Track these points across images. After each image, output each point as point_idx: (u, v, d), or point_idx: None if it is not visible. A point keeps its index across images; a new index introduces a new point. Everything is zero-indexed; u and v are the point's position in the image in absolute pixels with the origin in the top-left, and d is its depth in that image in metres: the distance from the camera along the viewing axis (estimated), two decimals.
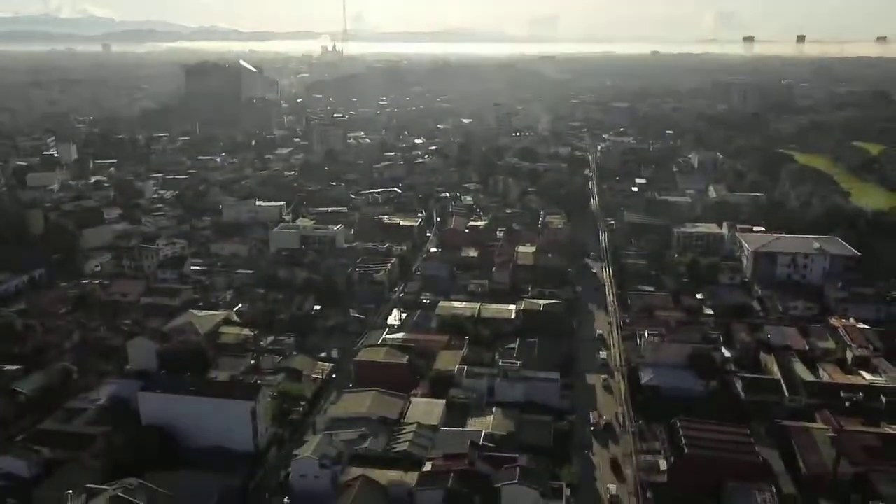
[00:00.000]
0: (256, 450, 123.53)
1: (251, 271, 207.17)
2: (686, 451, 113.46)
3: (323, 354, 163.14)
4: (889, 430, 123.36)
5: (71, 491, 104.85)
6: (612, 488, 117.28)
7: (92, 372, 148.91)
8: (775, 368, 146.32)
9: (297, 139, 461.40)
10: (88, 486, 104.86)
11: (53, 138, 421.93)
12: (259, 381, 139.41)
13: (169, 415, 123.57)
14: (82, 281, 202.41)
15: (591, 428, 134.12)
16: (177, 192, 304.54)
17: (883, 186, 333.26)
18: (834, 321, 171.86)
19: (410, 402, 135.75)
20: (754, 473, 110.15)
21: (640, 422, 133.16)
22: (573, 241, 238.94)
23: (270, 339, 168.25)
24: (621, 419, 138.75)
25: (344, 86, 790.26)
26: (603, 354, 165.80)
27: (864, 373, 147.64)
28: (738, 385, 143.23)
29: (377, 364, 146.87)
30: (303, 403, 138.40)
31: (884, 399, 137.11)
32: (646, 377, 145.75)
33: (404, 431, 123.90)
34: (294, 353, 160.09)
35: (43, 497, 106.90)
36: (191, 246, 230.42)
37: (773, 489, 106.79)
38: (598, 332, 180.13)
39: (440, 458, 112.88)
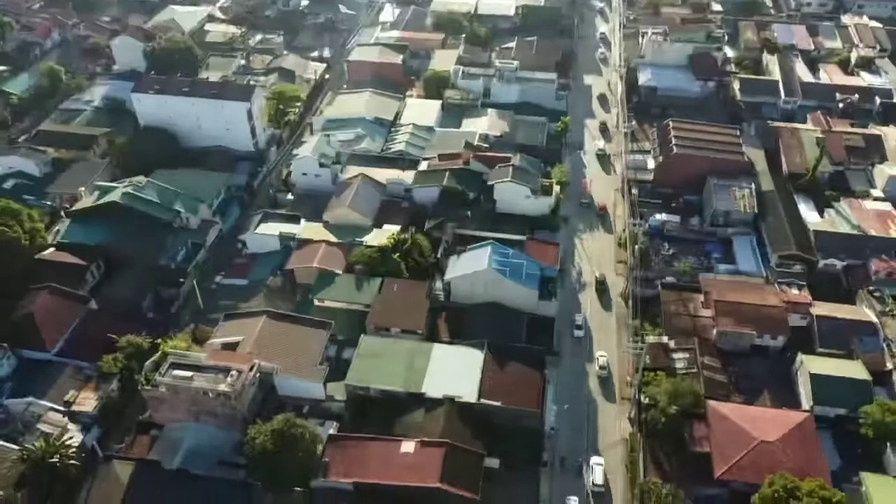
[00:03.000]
0: (256, 150, 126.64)
1: None
2: (675, 150, 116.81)
3: (314, 54, 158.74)
4: (875, 131, 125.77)
5: (84, 188, 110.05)
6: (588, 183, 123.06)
7: (79, 72, 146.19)
8: (776, 69, 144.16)
9: None
10: (98, 183, 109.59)
11: None
12: (252, 82, 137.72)
13: (165, 116, 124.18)
14: None
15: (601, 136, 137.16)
16: None
17: None
18: (846, 19, 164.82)
19: (406, 103, 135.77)
20: (737, 171, 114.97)
21: (634, 122, 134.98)
22: None
23: (259, 37, 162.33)
24: (616, 120, 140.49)
25: None
26: (602, 51, 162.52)
27: (864, 73, 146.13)
28: (736, 86, 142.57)
29: (371, 64, 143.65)
30: (298, 104, 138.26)
31: (878, 100, 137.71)
32: (643, 77, 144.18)
33: (400, 132, 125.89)
34: (284, 52, 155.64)
35: (57, 194, 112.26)
36: None
37: (753, 186, 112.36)
38: (601, 31, 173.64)
39: (435, 158, 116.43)
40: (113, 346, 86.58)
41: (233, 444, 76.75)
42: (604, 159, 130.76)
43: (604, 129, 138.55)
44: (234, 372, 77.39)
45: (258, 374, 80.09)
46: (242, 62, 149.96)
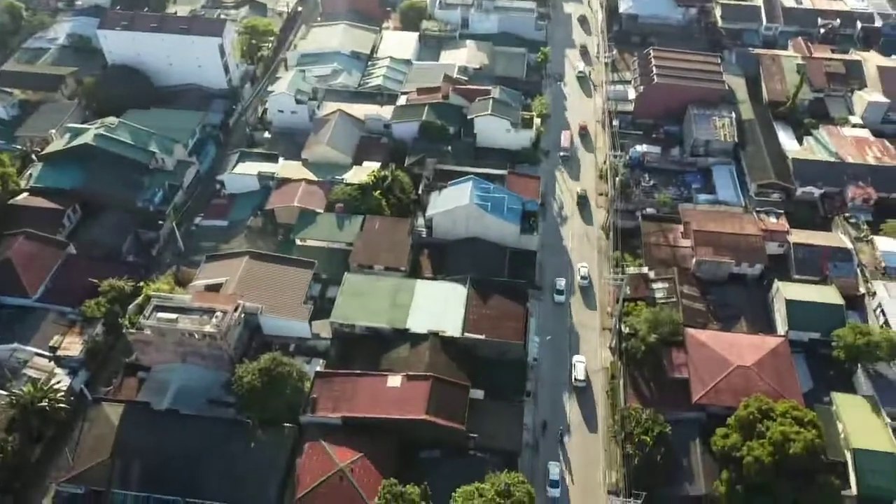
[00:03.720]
0: (230, 87, 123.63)
1: None
2: (656, 80, 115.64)
3: None
4: (855, 57, 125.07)
5: (54, 130, 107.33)
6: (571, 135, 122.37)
7: (41, 7, 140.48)
8: None
9: None
10: (70, 125, 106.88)
11: None
12: (223, 16, 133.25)
13: (134, 54, 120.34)
14: None
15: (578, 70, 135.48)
16: None
17: None
18: None
19: (382, 35, 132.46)
20: (717, 100, 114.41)
21: (615, 51, 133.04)
22: None
23: None
24: (597, 49, 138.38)
25: None
26: None
27: None
28: (718, 12, 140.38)
29: None
30: (271, 39, 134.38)
31: (859, 25, 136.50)
32: (624, 5, 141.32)
33: (377, 66, 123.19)
34: None
35: (26, 137, 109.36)
36: None
37: (733, 114, 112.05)
38: None
39: (414, 92, 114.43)
40: (95, 290, 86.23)
41: (221, 384, 77.78)
42: (584, 82, 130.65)
43: (584, 52, 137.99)
44: (218, 313, 77.71)
45: (243, 315, 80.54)
46: None
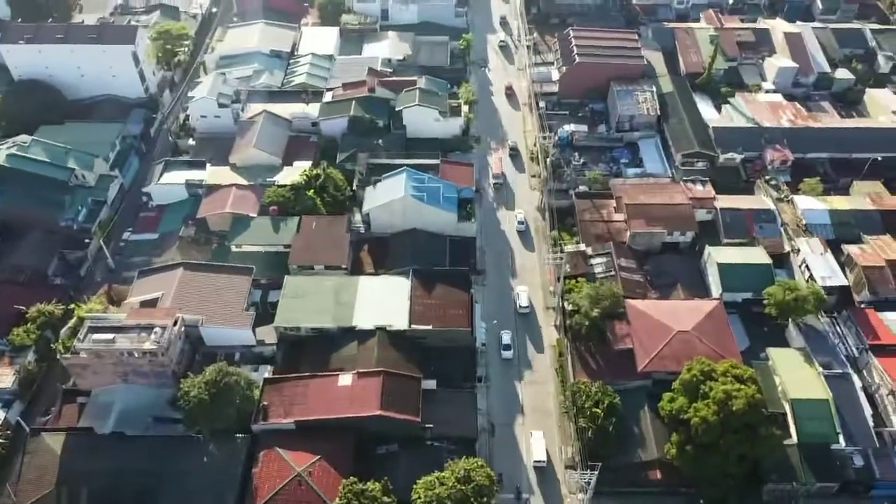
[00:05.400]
0: (148, 95, 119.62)
1: None
2: (577, 60, 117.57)
3: None
4: (764, 25, 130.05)
5: None
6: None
7: None
8: None
9: None
10: None
11: None
12: (134, 22, 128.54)
13: (42, 67, 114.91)
14: None
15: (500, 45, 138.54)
16: None
17: None
18: None
19: (302, 32, 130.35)
20: (638, 75, 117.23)
21: (535, 34, 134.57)
22: None
23: None
24: (517, 33, 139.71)
25: None
26: None
27: None
28: None
29: None
30: (187, 42, 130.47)
31: None
32: None
33: (300, 63, 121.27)
34: None
35: None
36: None
37: (654, 88, 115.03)
38: None
39: (340, 87, 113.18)
40: (22, 317, 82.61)
41: (167, 401, 75.70)
42: (506, 50, 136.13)
43: (504, 23, 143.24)
44: (157, 328, 75.47)
45: (183, 328, 78.45)
46: (120, 1, 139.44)
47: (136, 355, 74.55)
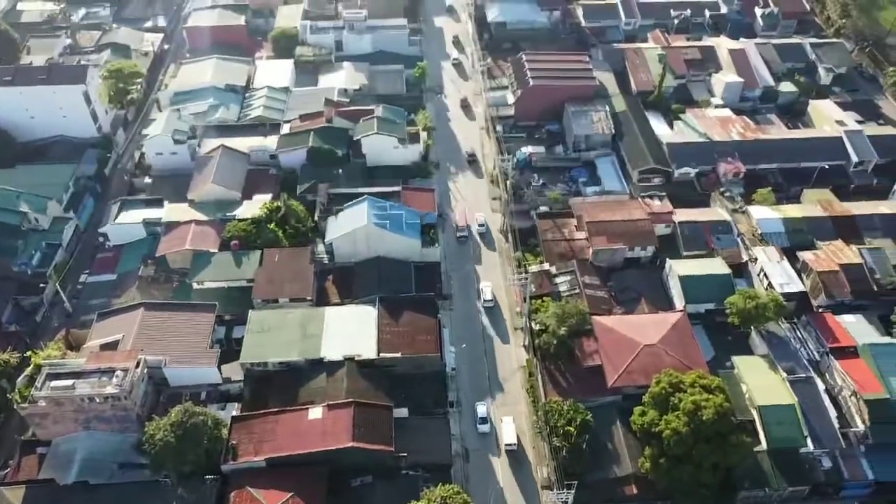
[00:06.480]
0: (101, 134, 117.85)
1: None
2: (531, 83, 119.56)
3: (148, 24, 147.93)
4: (709, 43, 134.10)
5: None
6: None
7: None
8: None
9: None
10: None
11: None
12: (84, 62, 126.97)
13: None
14: None
15: (453, 61, 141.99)
16: None
17: None
18: None
19: (256, 66, 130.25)
20: (591, 96, 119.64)
21: (489, 59, 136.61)
22: None
23: (82, 12, 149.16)
24: (472, 58, 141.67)
25: None
26: None
27: None
28: (580, 12, 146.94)
29: (211, 28, 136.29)
30: (139, 80, 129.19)
31: (707, 13, 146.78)
32: (491, 14, 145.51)
33: (255, 97, 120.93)
34: (114, 25, 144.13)
35: None
36: None
37: (607, 108, 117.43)
38: None
39: (297, 119, 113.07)
40: None
41: (132, 446, 73.56)
42: (459, 68, 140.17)
43: (456, 42, 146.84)
44: (118, 372, 73.55)
45: (146, 370, 76.59)
46: (68, 41, 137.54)
47: (98, 400, 72.41)
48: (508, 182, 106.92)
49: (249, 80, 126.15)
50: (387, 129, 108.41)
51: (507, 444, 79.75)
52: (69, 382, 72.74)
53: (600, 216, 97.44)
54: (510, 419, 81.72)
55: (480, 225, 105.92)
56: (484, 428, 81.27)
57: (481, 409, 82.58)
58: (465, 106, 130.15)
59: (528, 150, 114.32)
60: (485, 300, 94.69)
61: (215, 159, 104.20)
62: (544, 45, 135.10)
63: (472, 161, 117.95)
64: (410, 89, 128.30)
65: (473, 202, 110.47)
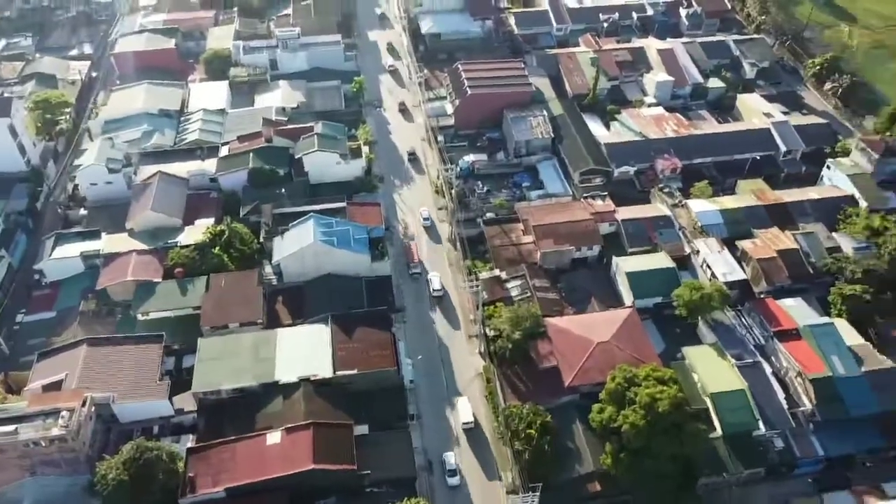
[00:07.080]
0: (30, 168, 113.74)
1: None
2: (469, 92, 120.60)
3: (74, 52, 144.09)
4: (638, 44, 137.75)
5: None
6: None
7: None
8: (544, 0, 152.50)
9: None
10: None
11: None
12: (7, 94, 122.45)
13: None
14: None
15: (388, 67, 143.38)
16: None
17: None
18: None
19: (190, 89, 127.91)
20: (528, 102, 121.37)
21: (425, 70, 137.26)
22: None
23: (2, 43, 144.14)
24: (408, 70, 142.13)
25: None
26: (380, 10, 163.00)
27: None
28: (512, 21, 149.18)
29: (140, 53, 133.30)
30: (68, 110, 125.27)
31: (635, 15, 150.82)
32: (426, 26, 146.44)
33: (191, 120, 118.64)
34: (37, 55, 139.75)
35: None
36: None
37: (545, 113, 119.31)
38: None
39: (235, 141, 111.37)
40: None
41: (82, 488, 70.78)
42: (396, 74, 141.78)
43: (391, 49, 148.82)
44: (64, 412, 70.74)
45: (93, 408, 73.90)
46: None
47: (44, 444, 69.50)
48: (453, 191, 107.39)
49: (184, 104, 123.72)
50: (328, 145, 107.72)
51: (464, 423, 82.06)
52: (11, 428, 69.63)
53: (546, 219, 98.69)
54: (465, 399, 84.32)
55: (425, 219, 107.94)
56: (453, 481, 76.81)
57: (450, 461, 78.10)
58: (404, 110, 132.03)
59: (470, 158, 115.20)
60: (434, 290, 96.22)
61: (153, 186, 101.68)
62: (479, 55, 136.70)
63: (413, 159, 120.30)
64: (349, 104, 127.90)
65: (419, 203, 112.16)
